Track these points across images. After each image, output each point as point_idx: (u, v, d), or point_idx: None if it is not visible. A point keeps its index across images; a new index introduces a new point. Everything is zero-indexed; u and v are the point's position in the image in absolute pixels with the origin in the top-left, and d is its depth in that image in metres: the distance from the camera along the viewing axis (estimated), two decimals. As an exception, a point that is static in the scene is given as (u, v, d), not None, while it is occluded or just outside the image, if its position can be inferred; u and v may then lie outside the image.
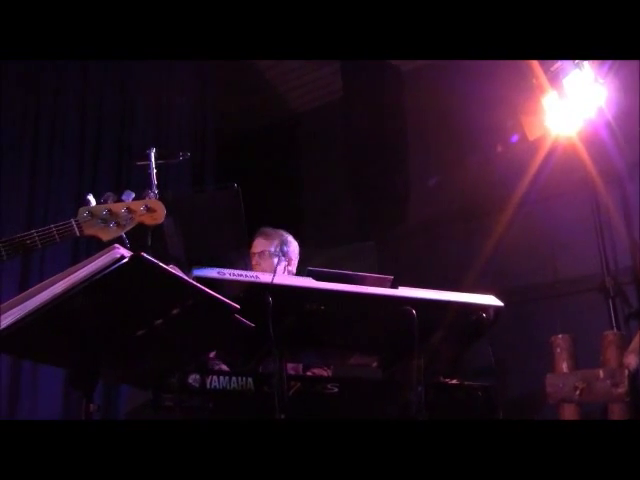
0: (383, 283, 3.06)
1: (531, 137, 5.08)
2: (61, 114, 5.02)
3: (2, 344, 1.94)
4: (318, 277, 2.94)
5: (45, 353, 2.13)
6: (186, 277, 2.05)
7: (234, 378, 2.84)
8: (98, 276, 1.85)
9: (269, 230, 3.78)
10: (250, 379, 2.86)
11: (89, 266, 1.86)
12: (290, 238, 3.85)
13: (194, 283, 2.03)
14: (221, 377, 2.82)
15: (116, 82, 5.29)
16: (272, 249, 3.69)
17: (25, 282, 4.49)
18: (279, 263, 3.60)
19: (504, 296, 3.21)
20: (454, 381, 3.27)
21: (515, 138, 5.25)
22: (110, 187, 4.90)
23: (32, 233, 2.32)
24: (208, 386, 2.78)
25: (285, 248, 3.74)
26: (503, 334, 3.44)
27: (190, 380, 2.75)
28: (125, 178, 5.10)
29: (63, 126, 5.01)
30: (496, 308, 3.15)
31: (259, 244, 3.65)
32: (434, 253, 5.31)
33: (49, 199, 4.82)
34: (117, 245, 1.88)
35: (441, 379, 3.27)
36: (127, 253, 1.86)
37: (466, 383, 3.24)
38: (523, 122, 5.09)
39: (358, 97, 5.69)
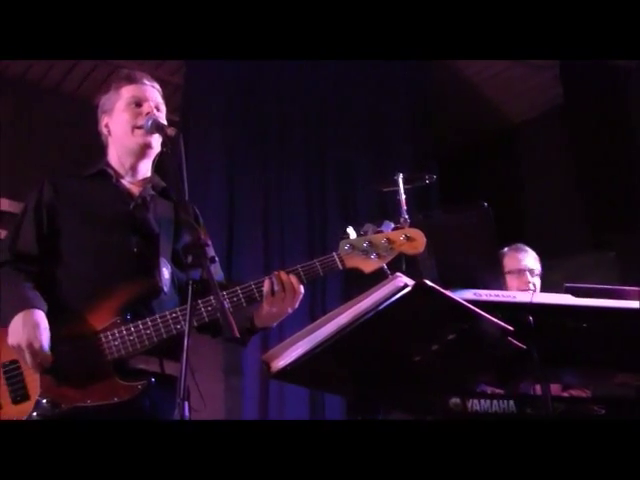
0: (647, 296, 2.88)
1: None
2: (287, 153, 5.22)
3: (290, 375, 2.01)
4: (576, 293, 2.81)
5: (326, 383, 2.18)
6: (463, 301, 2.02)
7: (495, 401, 2.78)
8: (383, 305, 1.86)
9: (522, 246, 3.73)
10: (512, 401, 2.79)
11: (373, 296, 1.89)
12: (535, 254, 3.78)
13: (473, 307, 2.00)
14: (482, 400, 2.77)
15: (338, 112, 5.42)
16: (533, 264, 3.64)
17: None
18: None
19: None
20: None
21: None
22: (339, 216, 5.04)
23: (297, 268, 2.38)
24: (469, 409, 2.73)
25: (539, 264, 3.69)
26: None
27: (451, 404, 2.72)
28: (351, 204, 5.17)
29: (289, 158, 5.20)
30: None
31: (514, 260, 3.60)
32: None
33: (283, 232, 5.00)
34: (399, 274, 1.88)
35: None
36: (409, 281, 1.87)
37: None
38: None
39: (580, 100, 5.47)
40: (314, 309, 4.58)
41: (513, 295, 2.79)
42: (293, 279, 2.34)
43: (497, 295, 2.76)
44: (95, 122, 2.75)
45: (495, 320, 2.08)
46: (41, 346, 2.23)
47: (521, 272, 3.50)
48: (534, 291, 3.52)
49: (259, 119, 5.22)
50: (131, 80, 2.67)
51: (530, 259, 3.67)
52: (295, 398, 4.56)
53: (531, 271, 3.62)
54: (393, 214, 3.82)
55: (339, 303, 4.45)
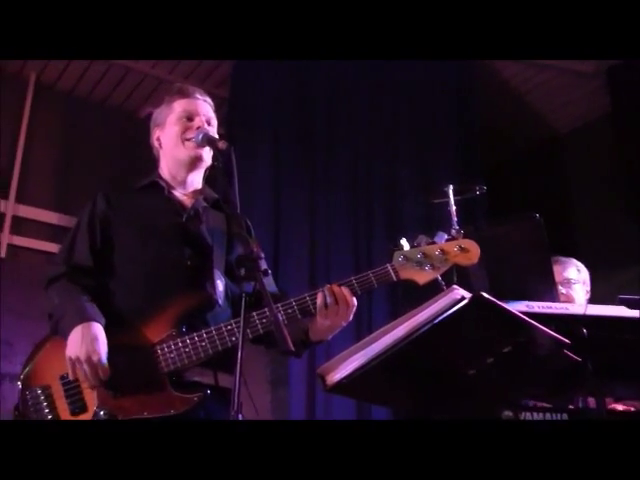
0: None
1: None
2: (334, 165, 5.23)
3: (346, 389, 2.00)
4: (631, 305, 2.77)
5: (381, 396, 2.17)
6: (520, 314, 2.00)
7: (548, 414, 2.74)
8: (439, 318, 1.85)
9: (562, 258, 3.67)
10: (565, 415, 2.75)
11: (429, 309, 1.87)
12: (581, 264, 3.71)
13: (530, 320, 1.97)
14: (534, 413, 2.73)
15: (384, 124, 5.42)
16: (573, 277, 3.58)
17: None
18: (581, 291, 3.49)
19: None
20: None
21: None
22: (384, 228, 5.03)
23: (351, 280, 2.38)
24: (522, 422, 2.70)
25: (582, 275, 3.63)
26: None
27: (503, 417, 2.68)
28: (397, 216, 5.15)
29: (336, 175, 5.20)
30: None
31: (556, 272, 3.54)
32: None
33: (328, 244, 5.00)
34: (456, 286, 1.87)
35: None
36: (466, 294, 1.85)
37: None
38: None
39: (629, 108, 5.40)
40: (361, 321, 4.57)
41: (565, 307, 2.75)
42: (346, 291, 2.34)
43: (550, 307, 2.72)
44: (147, 135, 2.79)
45: (551, 333, 2.05)
46: (99, 359, 2.26)
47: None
48: (566, 300, 3.47)
49: (305, 130, 5.26)
50: (183, 94, 2.70)
51: (566, 270, 3.61)
52: (341, 409, 4.55)
53: (564, 282, 3.55)
54: (439, 226, 3.80)
55: (385, 315, 4.49)
